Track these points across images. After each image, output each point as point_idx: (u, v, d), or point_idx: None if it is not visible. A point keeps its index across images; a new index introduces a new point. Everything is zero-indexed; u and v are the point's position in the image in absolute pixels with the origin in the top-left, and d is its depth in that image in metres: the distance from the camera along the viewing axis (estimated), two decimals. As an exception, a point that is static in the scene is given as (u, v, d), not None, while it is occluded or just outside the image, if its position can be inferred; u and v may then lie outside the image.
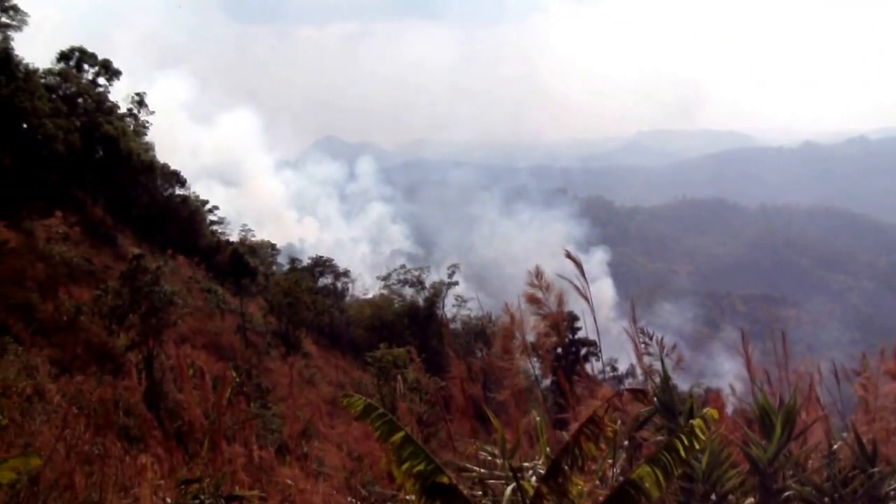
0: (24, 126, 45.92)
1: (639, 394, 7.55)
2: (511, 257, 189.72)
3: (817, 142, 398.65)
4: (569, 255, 12.50)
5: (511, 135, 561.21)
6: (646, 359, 11.77)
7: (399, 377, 27.63)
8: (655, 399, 9.42)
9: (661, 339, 11.55)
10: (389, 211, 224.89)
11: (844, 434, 8.88)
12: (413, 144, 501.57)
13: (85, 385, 22.91)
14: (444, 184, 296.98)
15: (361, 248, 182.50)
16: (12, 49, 47.82)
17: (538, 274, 13.64)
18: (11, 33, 48.82)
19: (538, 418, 9.61)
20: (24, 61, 48.98)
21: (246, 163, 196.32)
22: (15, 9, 48.41)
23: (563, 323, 14.16)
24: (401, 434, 6.54)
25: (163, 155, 63.64)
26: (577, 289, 12.32)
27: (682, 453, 6.21)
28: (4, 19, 48.42)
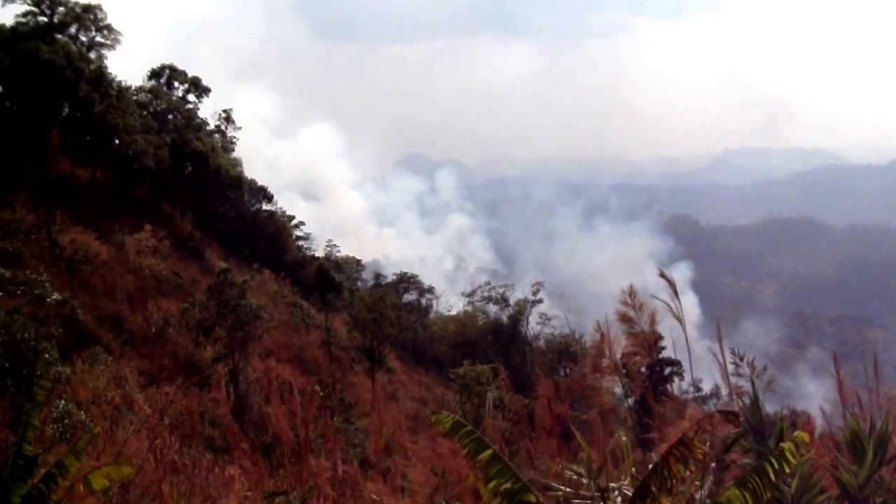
0: (117, 142, 46.89)
1: (729, 416, 7.37)
2: (592, 273, 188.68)
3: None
4: (662, 275, 12.31)
5: (595, 151, 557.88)
6: (733, 379, 11.52)
7: (488, 395, 27.52)
8: (745, 421, 9.20)
9: (752, 360, 11.29)
10: (471, 227, 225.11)
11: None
12: (496, 160, 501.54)
13: (172, 396, 23.19)
14: (526, 200, 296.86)
15: (446, 264, 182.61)
16: (106, 67, 48.97)
17: (632, 293, 13.46)
18: (105, 52, 50.11)
19: (624, 438, 9.42)
20: (117, 79, 50.11)
21: (330, 177, 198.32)
22: (109, 28, 49.70)
23: (655, 342, 13.96)
24: (488, 452, 6.45)
25: (247, 169, 64.55)
26: (670, 308, 12.11)
27: (772, 477, 6.03)
28: (99, 38, 49.65)
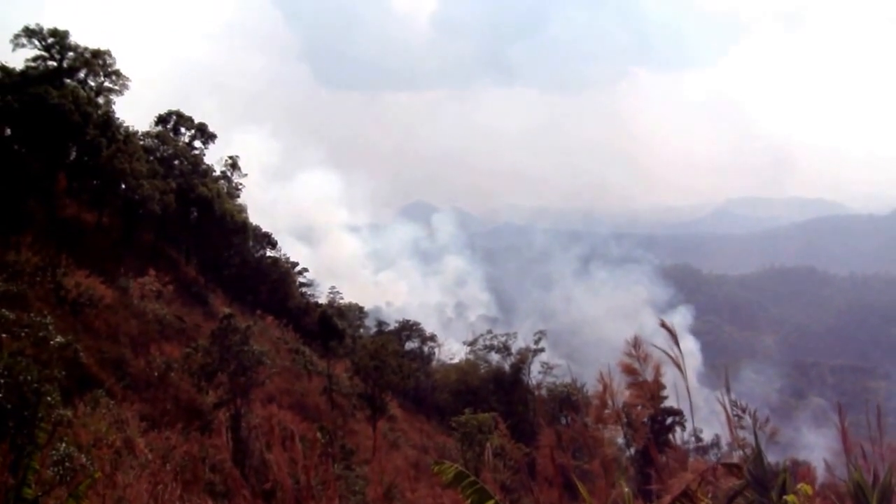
0: (123, 186, 47.09)
1: (733, 468, 7.40)
2: (591, 320, 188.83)
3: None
4: (664, 325, 12.34)
5: (597, 199, 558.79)
6: (737, 431, 11.50)
7: (488, 445, 27.39)
8: (747, 473, 9.19)
9: (755, 411, 11.30)
10: (468, 270, 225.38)
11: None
12: (499, 208, 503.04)
13: (174, 440, 23.17)
14: (528, 247, 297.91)
15: (447, 312, 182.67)
16: (113, 112, 49.37)
17: (636, 344, 13.48)
18: (113, 97, 50.49)
19: (626, 489, 9.42)
20: (125, 124, 50.49)
21: (329, 222, 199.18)
22: (117, 74, 50.06)
23: (658, 393, 13.96)
24: (491, 502, 6.48)
25: (250, 213, 64.89)
26: (671, 358, 12.14)
27: (776, 529, 6.06)
28: (107, 84, 50.05)
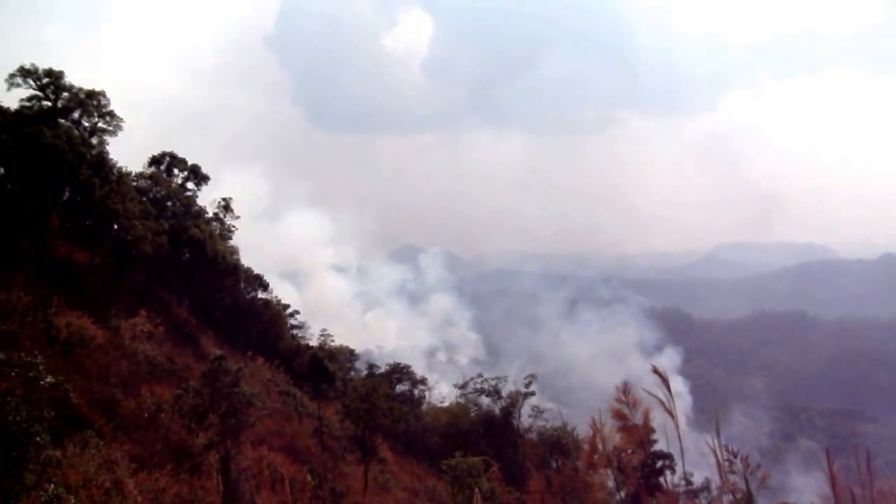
0: (116, 226, 47.16)
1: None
2: (581, 363, 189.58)
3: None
4: (655, 371, 12.43)
5: (588, 244, 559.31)
6: (728, 475, 11.56)
7: (476, 490, 27.34)
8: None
9: (746, 456, 11.36)
10: (460, 317, 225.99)
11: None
12: (489, 252, 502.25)
13: (163, 482, 23.07)
14: (518, 291, 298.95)
15: (439, 356, 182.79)
16: (107, 152, 49.54)
17: (626, 390, 13.57)
18: (107, 137, 50.67)
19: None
20: (118, 164, 50.65)
21: (321, 264, 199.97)
22: (111, 114, 50.28)
23: (649, 438, 14.04)
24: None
25: (243, 254, 65.07)
26: (662, 403, 12.21)
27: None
28: (101, 124, 50.25)
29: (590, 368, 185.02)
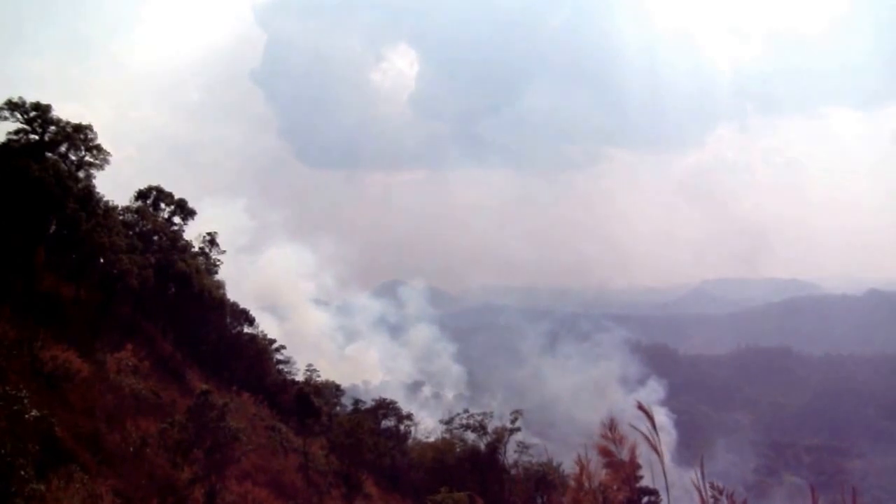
0: (101, 260, 47.13)
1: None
2: (563, 397, 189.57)
3: (883, 289, 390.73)
4: (640, 407, 12.49)
5: (575, 281, 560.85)
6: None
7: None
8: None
9: (732, 493, 11.41)
10: (444, 351, 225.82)
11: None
12: (475, 288, 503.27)
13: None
14: (501, 327, 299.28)
15: (425, 392, 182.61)
16: (94, 186, 49.50)
17: (612, 426, 13.62)
18: (93, 171, 50.63)
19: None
20: (105, 198, 50.62)
21: (303, 297, 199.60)
22: (98, 148, 50.22)
23: (635, 474, 14.08)
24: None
25: (227, 288, 65.03)
26: (647, 439, 12.26)
27: None
28: (88, 158, 50.24)
29: (572, 402, 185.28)
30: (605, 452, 13.49)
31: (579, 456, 13.76)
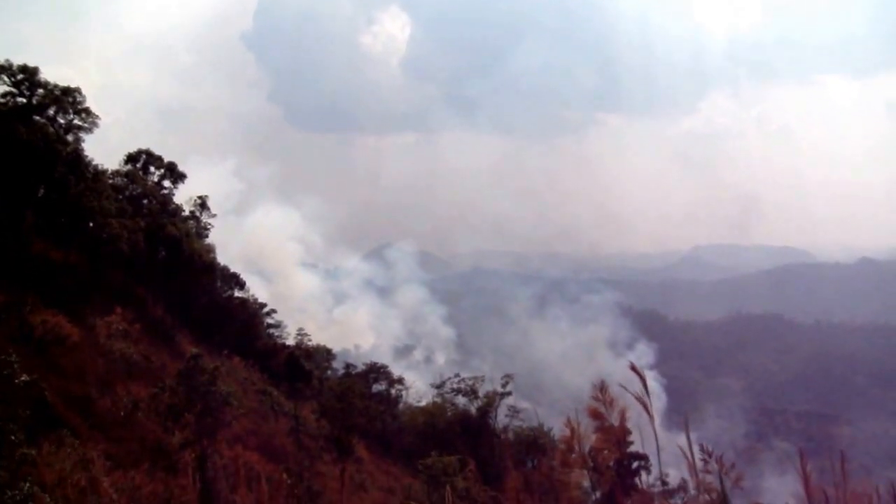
0: (91, 224, 46.94)
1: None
2: (552, 361, 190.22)
3: (875, 258, 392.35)
4: (633, 368, 12.48)
5: (567, 245, 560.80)
6: (702, 476, 11.63)
7: (448, 488, 27.35)
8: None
9: (721, 457, 11.45)
10: (433, 314, 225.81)
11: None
12: (466, 252, 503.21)
13: (139, 481, 23.01)
14: (493, 291, 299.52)
15: (416, 355, 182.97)
16: (82, 150, 49.19)
17: (602, 388, 13.62)
18: (82, 135, 50.29)
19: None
20: (94, 162, 50.34)
21: (293, 260, 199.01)
22: (87, 111, 49.85)
23: (624, 437, 14.11)
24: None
25: (222, 253, 64.92)
26: (641, 403, 12.26)
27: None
28: (76, 121, 49.90)
29: (560, 366, 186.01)
30: (595, 415, 13.51)
31: (569, 418, 13.76)
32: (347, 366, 74.81)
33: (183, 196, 63.02)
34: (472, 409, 69.29)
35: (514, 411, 68.86)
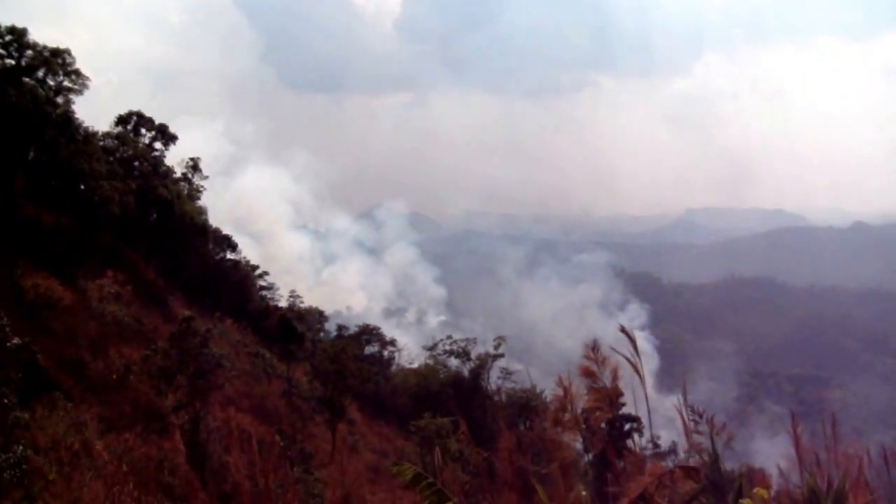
0: (82, 187, 46.70)
1: (691, 472, 7.51)
2: (543, 321, 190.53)
3: (868, 223, 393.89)
4: (623, 331, 12.45)
5: (560, 207, 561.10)
6: (694, 436, 11.63)
7: (437, 448, 27.41)
8: (704, 477, 9.32)
9: (712, 417, 11.44)
10: (425, 275, 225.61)
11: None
12: (459, 213, 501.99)
13: (132, 443, 23.05)
14: (485, 252, 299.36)
15: (408, 317, 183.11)
16: (73, 112, 48.81)
17: (595, 347, 13.62)
18: (72, 96, 49.89)
19: (584, 493, 9.56)
20: (84, 124, 49.96)
21: (284, 221, 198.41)
22: (77, 73, 49.40)
23: (616, 398, 14.12)
24: (449, 504, 6.53)
25: (212, 214, 64.69)
26: (632, 364, 12.24)
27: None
28: (66, 83, 49.47)
29: (551, 327, 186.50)
30: (587, 374, 13.50)
31: (561, 377, 13.76)
32: (340, 328, 74.83)
33: (174, 158, 62.68)
34: (465, 371, 69.49)
35: (506, 373, 69.02)
